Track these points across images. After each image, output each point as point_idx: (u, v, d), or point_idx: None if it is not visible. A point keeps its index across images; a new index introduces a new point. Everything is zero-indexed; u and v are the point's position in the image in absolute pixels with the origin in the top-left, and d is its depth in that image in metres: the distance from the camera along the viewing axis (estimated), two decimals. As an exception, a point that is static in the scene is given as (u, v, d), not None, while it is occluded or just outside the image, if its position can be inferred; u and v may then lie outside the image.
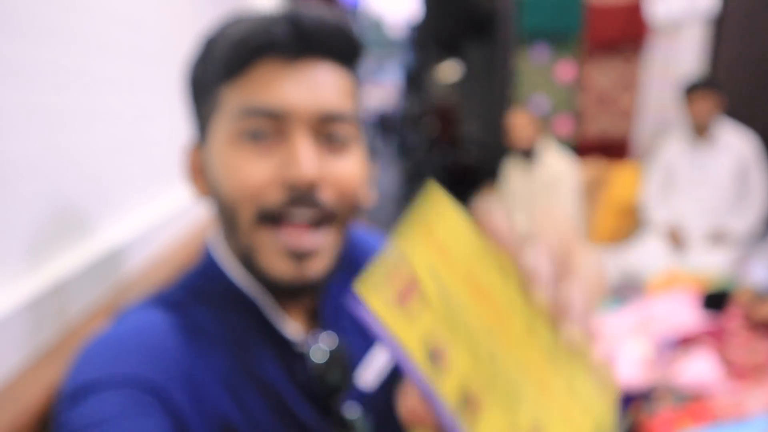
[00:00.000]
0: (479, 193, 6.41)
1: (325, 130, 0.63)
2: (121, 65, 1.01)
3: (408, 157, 10.18)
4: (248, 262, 0.64)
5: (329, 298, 0.73)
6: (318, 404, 0.67)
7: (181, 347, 0.60)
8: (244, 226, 0.62)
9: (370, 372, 0.73)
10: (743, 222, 3.14)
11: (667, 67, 3.87)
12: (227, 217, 0.64)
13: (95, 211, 0.90)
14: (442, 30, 9.37)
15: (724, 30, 3.69)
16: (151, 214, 1.11)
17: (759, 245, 3.27)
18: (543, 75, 3.91)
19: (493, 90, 7.64)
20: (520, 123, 3.27)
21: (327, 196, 0.62)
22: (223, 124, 0.63)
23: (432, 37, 10.99)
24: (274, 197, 0.61)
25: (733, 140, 3.17)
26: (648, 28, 3.80)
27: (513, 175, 3.54)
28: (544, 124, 3.97)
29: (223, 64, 0.62)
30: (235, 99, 0.62)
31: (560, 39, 3.87)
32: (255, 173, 0.60)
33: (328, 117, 0.63)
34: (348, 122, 0.64)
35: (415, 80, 16.32)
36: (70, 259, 0.80)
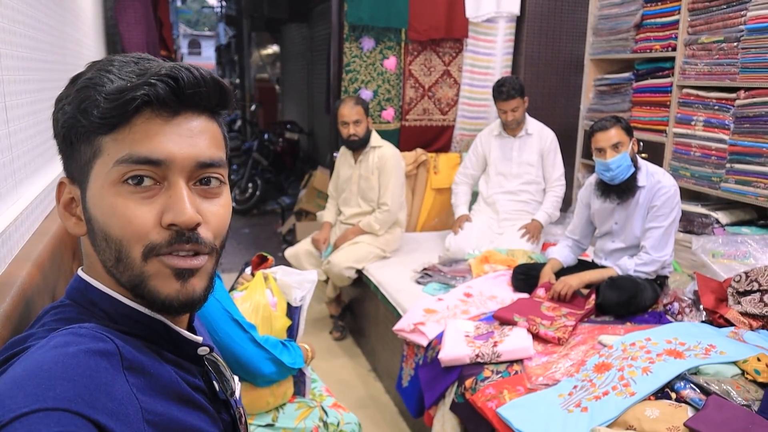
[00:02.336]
0: (302, 175, 6.49)
1: (201, 175, 0.72)
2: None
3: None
4: (138, 290, 0.70)
5: None
6: (219, 394, 0.80)
7: (112, 380, 0.61)
8: (134, 261, 0.68)
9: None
10: (542, 215, 3.55)
11: (483, 62, 4.21)
12: (114, 253, 0.69)
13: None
14: (257, 7, 9.16)
15: (525, 29, 4.11)
16: (5, 216, 1.13)
17: (555, 227, 3.74)
18: (370, 66, 4.03)
19: (315, 74, 7.71)
20: (350, 113, 3.36)
21: (205, 235, 0.71)
22: (105, 170, 0.68)
23: (247, 14, 10.72)
24: (159, 237, 0.68)
25: (536, 134, 3.56)
26: (466, 27, 4.09)
27: (342, 163, 3.64)
28: (371, 114, 4.11)
29: (102, 116, 0.66)
30: (116, 149, 0.67)
31: (386, 33, 4.02)
32: (140, 217, 0.67)
33: (203, 165, 0.71)
34: (220, 168, 0.73)
35: (229, 57, 15.80)
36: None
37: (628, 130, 2.51)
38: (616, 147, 2.47)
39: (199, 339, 0.79)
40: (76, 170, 0.71)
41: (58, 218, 0.76)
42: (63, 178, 0.74)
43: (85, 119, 0.67)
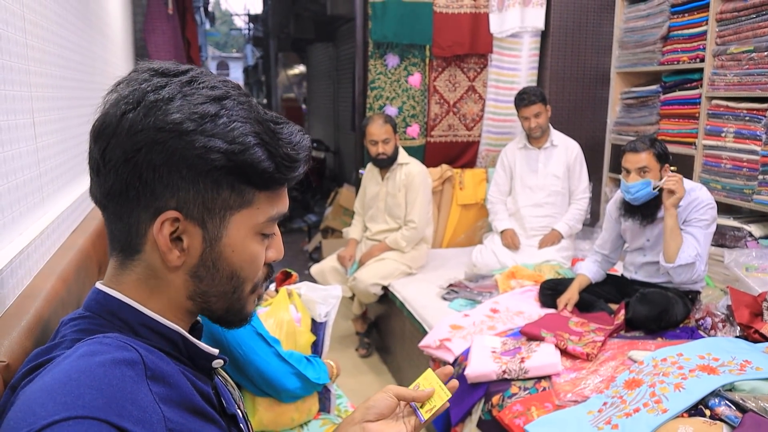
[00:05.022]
0: (328, 193, 6.51)
1: None
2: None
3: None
4: (230, 314, 0.79)
5: None
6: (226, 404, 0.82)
7: (137, 389, 0.62)
8: (245, 294, 0.78)
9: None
10: (563, 226, 3.52)
11: (508, 77, 4.20)
12: (232, 288, 0.76)
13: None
14: (284, 28, 9.29)
15: (549, 43, 4.09)
16: (32, 229, 1.14)
17: (583, 242, 3.69)
18: (395, 82, 4.05)
19: (340, 93, 7.78)
20: (379, 132, 3.36)
21: None
22: (253, 222, 0.74)
23: (274, 35, 10.89)
24: (262, 274, 0.80)
25: (562, 146, 3.53)
26: (491, 43, 4.10)
27: (369, 179, 3.64)
28: (398, 131, 4.12)
29: (269, 178, 0.72)
30: (268, 206, 0.75)
31: (410, 50, 4.04)
32: (262, 261, 0.78)
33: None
34: None
35: (256, 78, 16.09)
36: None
37: (661, 157, 2.45)
38: (641, 171, 2.44)
39: (215, 351, 0.79)
40: (198, 207, 0.70)
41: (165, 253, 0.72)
42: (174, 212, 0.69)
43: (244, 169, 0.70)
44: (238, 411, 0.85)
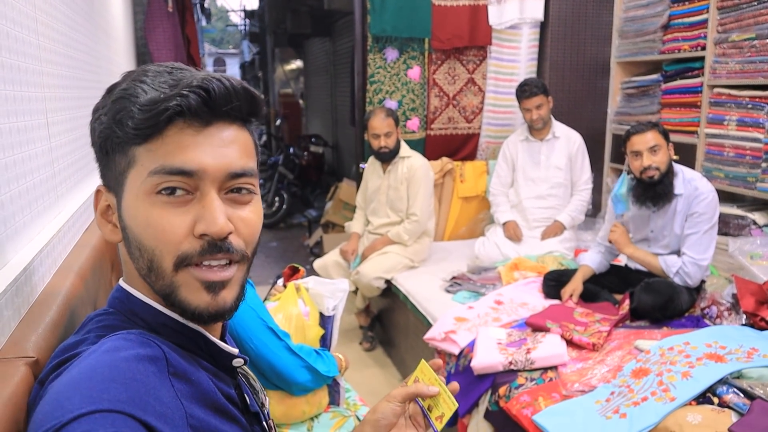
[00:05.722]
0: (328, 188, 6.52)
1: (233, 185, 0.72)
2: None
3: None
4: (169, 299, 0.71)
5: None
6: (249, 403, 0.81)
7: (160, 384, 0.63)
8: (165, 271, 0.69)
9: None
10: (565, 217, 3.54)
11: (507, 69, 4.20)
12: (147, 262, 0.70)
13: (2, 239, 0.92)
14: (280, 23, 9.25)
15: (549, 34, 4.10)
16: (49, 228, 1.15)
17: (585, 233, 3.70)
18: (394, 76, 4.05)
19: (338, 87, 7.77)
20: (381, 126, 3.36)
21: (237, 243, 0.72)
22: (139, 181, 0.69)
23: (270, 30, 10.85)
24: (191, 247, 0.69)
25: (564, 138, 3.54)
26: (490, 35, 4.10)
27: (371, 173, 3.64)
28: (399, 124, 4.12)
29: (136, 127, 0.67)
30: (150, 160, 0.68)
31: (409, 43, 4.04)
32: (173, 226, 0.68)
33: (234, 175, 0.71)
34: (251, 177, 0.74)
35: (253, 74, 16.03)
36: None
37: (665, 135, 2.48)
38: (653, 150, 2.44)
39: (234, 350, 0.80)
40: (112, 179, 0.72)
41: (97, 227, 0.76)
42: (100, 186, 0.76)
43: (120, 130, 0.68)
44: (262, 409, 0.85)
